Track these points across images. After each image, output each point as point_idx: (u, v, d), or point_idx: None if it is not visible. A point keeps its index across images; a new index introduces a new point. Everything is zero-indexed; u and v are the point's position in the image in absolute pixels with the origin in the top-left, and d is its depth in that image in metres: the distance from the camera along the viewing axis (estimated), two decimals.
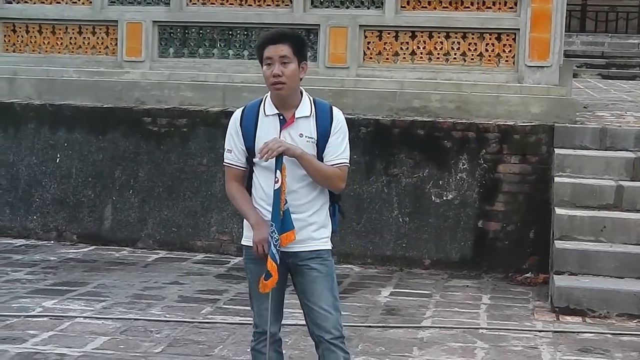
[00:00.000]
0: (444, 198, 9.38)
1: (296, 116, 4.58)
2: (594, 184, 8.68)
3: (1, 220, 10.59)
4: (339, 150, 4.61)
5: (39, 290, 8.14)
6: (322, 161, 4.59)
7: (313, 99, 4.67)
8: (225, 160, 4.71)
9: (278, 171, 4.44)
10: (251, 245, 4.62)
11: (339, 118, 4.64)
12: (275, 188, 4.45)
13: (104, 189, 10.27)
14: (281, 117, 4.58)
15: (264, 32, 4.73)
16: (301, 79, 4.60)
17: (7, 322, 7.09)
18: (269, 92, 4.63)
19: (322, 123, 4.60)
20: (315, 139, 4.57)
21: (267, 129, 4.57)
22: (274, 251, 4.47)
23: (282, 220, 4.46)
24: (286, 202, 4.47)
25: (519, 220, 9.23)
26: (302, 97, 4.64)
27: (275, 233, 4.46)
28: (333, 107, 4.69)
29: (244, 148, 4.62)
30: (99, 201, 10.29)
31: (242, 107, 4.71)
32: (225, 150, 4.70)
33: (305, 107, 4.61)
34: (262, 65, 4.57)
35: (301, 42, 4.64)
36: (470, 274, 9.19)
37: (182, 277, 8.81)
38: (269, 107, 4.61)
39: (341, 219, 4.87)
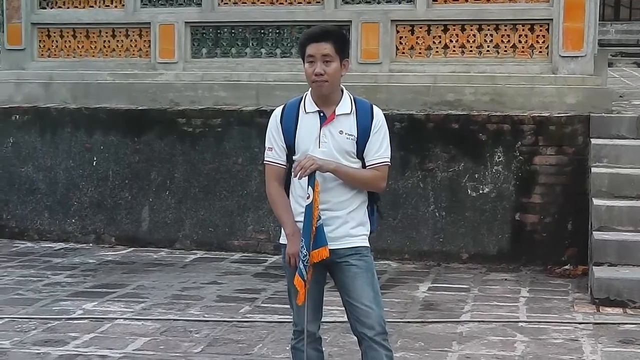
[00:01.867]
0: (480, 191, 9.34)
1: (337, 113, 4.59)
2: (632, 174, 8.60)
3: (40, 224, 10.70)
4: (380, 149, 4.61)
5: (79, 293, 8.21)
6: (363, 159, 4.60)
7: (353, 97, 4.67)
8: (265, 159, 4.70)
9: (310, 187, 4.43)
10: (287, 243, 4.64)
11: (379, 117, 4.65)
12: (307, 204, 4.45)
13: (141, 191, 10.34)
14: (321, 114, 4.58)
15: (307, 29, 4.72)
16: (342, 76, 4.60)
17: (49, 324, 7.15)
18: (309, 89, 4.64)
19: (362, 121, 4.60)
20: (356, 136, 4.57)
21: (308, 126, 4.58)
22: (302, 267, 4.47)
23: (315, 237, 4.45)
24: (319, 218, 4.46)
25: (556, 212, 9.17)
26: (342, 94, 4.64)
27: (304, 249, 4.44)
28: (373, 106, 4.70)
29: (285, 145, 4.63)
30: (135, 203, 10.35)
31: (283, 105, 4.71)
32: (266, 148, 4.70)
33: (345, 105, 4.62)
34: (304, 62, 4.58)
35: (343, 39, 4.65)
36: (508, 267, 9.14)
37: (220, 277, 8.85)
38: (309, 104, 4.61)
39: (379, 219, 4.85)
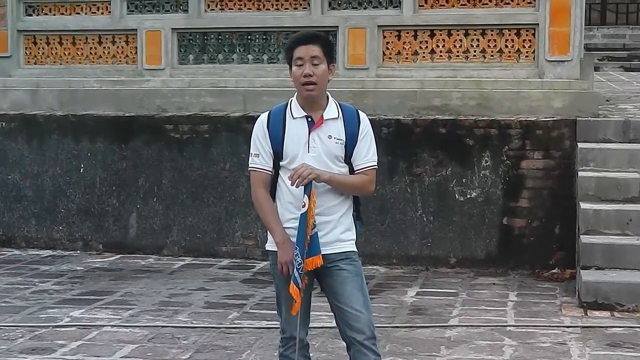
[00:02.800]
0: (468, 196, 9.35)
1: (324, 117, 4.60)
2: (619, 177, 8.63)
3: (28, 231, 10.66)
4: (368, 153, 4.64)
5: (66, 300, 8.19)
6: (351, 164, 4.62)
7: (337, 102, 4.69)
8: (251, 165, 4.68)
9: (306, 196, 4.43)
10: (276, 250, 4.62)
11: (365, 121, 4.68)
12: (302, 212, 4.43)
13: (128, 198, 10.32)
14: (309, 119, 4.59)
15: (293, 34, 4.72)
16: (329, 81, 4.62)
17: (36, 332, 7.13)
18: (295, 95, 4.65)
19: (349, 125, 4.62)
20: (344, 140, 4.59)
21: (296, 132, 4.57)
22: (297, 275, 4.46)
23: (310, 245, 4.44)
24: (314, 227, 4.45)
25: (543, 216, 9.19)
26: (328, 99, 4.66)
27: (299, 257, 4.44)
28: (359, 111, 4.72)
29: (272, 151, 4.61)
30: (123, 210, 10.33)
31: (267, 111, 4.70)
32: (252, 155, 4.67)
33: (332, 109, 4.64)
34: (290, 67, 4.59)
35: (330, 43, 4.69)
36: (496, 271, 9.16)
37: (208, 283, 8.83)
38: (296, 109, 4.61)
39: (362, 225, 4.85)
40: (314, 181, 4.46)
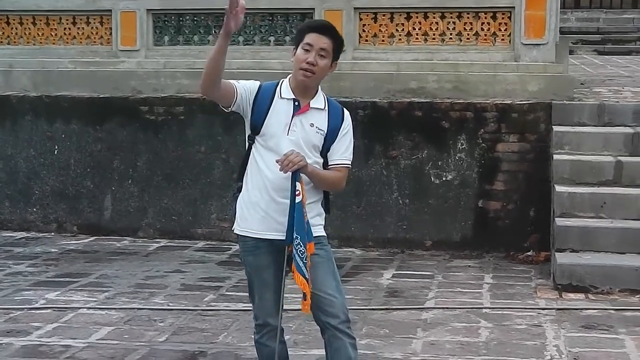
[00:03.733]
0: (444, 179, 9.38)
1: (311, 105, 4.59)
2: (593, 161, 8.68)
3: (1, 213, 10.59)
4: (346, 151, 4.65)
5: (41, 283, 8.15)
6: (326, 158, 4.62)
7: (326, 96, 4.69)
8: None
9: (298, 183, 4.39)
10: (247, 235, 4.59)
11: (348, 120, 4.70)
12: (297, 201, 4.39)
13: (103, 180, 10.26)
14: (296, 103, 4.57)
15: (310, 20, 4.68)
16: (326, 76, 4.61)
17: (11, 314, 7.09)
18: (288, 77, 4.64)
19: (333, 120, 4.63)
20: (325, 132, 4.59)
21: (280, 112, 4.55)
22: (301, 264, 4.40)
23: (307, 232, 4.41)
24: (306, 214, 4.43)
25: (519, 199, 9.23)
26: (317, 91, 4.65)
27: (301, 245, 4.39)
28: (344, 109, 4.73)
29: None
30: (98, 192, 10.28)
31: (259, 82, 4.65)
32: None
33: (320, 100, 4.64)
34: (296, 48, 4.56)
35: (342, 43, 4.66)
36: (471, 254, 9.20)
37: (183, 265, 8.82)
38: (285, 90, 4.59)
39: (327, 215, 4.84)
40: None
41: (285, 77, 4.66)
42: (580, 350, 6.23)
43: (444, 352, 6.22)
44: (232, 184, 4.80)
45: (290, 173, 4.38)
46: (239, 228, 4.67)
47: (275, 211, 4.51)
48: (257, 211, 4.56)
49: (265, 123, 4.54)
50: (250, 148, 4.61)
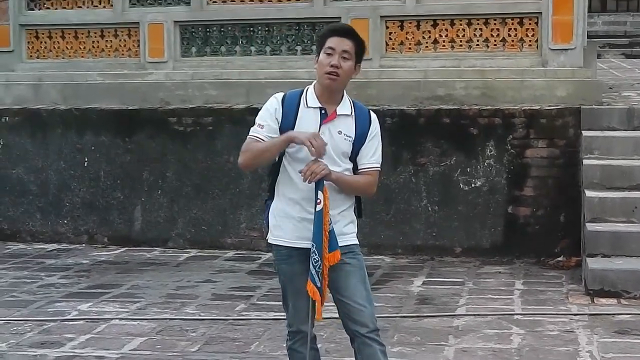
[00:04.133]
0: (473, 185, 9.36)
1: (338, 112, 4.58)
2: (624, 165, 8.63)
3: (33, 225, 10.67)
4: (375, 154, 4.64)
5: (73, 294, 8.20)
6: (356, 163, 4.62)
7: (352, 100, 4.68)
8: (252, 133, 4.53)
9: (320, 192, 4.40)
10: (280, 244, 4.61)
11: (376, 123, 4.68)
12: (318, 210, 4.40)
13: (133, 191, 10.33)
14: (323, 111, 4.56)
15: (330, 24, 4.68)
16: (351, 79, 4.60)
17: (44, 326, 7.14)
18: (313, 84, 4.62)
19: (361, 124, 4.61)
20: (353, 138, 4.58)
21: (308, 121, 4.54)
22: (314, 272, 4.43)
23: (329, 240, 4.42)
24: (330, 222, 4.43)
25: (548, 205, 9.20)
26: (343, 96, 4.64)
27: (316, 254, 4.41)
28: (371, 112, 4.71)
29: (278, 130, 4.53)
30: (128, 203, 10.34)
31: (282, 93, 4.64)
32: (256, 124, 4.55)
33: (346, 106, 4.62)
34: (318, 54, 4.54)
35: (364, 45, 4.65)
36: (502, 260, 9.17)
37: (214, 275, 8.85)
38: (311, 98, 4.58)
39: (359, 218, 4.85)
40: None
41: (310, 84, 4.65)
42: (613, 356, 6.20)
43: (476, 359, 6.21)
44: (262, 194, 4.82)
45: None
46: (272, 237, 4.69)
47: (307, 220, 4.51)
48: (290, 220, 4.58)
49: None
50: (280, 159, 4.60)
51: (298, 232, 4.57)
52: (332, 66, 4.48)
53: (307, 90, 4.63)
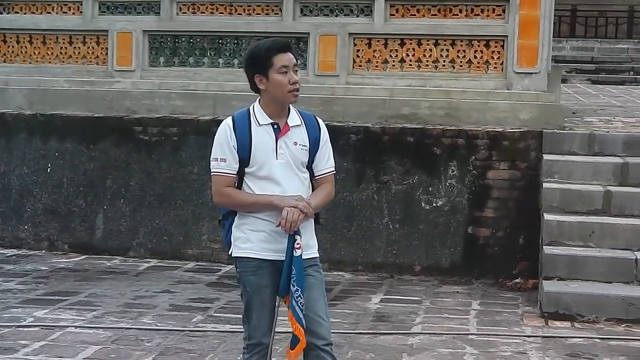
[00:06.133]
0: (434, 204, 9.42)
1: (290, 124, 4.65)
2: (583, 190, 8.73)
3: None
4: (329, 159, 4.76)
5: (30, 300, 8.16)
6: (312, 170, 4.70)
7: (297, 109, 4.74)
8: (216, 170, 4.61)
9: (298, 236, 4.48)
10: (248, 256, 4.62)
11: (324, 128, 4.77)
12: (297, 255, 4.47)
13: (95, 198, 10.30)
14: (275, 126, 4.62)
15: (262, 41, 4.71)
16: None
17: None
18: (257, 101, 4.67)
19: (312, 132, 4.70)
20: (308, 146, 4.66)
21: (263, 139, 4.59)
22: (298, 311, 4.50)
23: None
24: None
25: (508, 226, 9.28)
26: (290, 108, 4.70)
27: (302, 297, 4.48)
28: (317, 117, 4.80)
29: (238, 157, 4.59)
30: (90, 210, 10.31)
31: (230, 117, 4.68)
32: (217, 159, 4.61)
33: (295, 117, 4.69)
34: (268, 74, 4.54)
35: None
36: (460, 280, 9.23)
37: (173, 286, 8.84)
38: (260, 116, 4.63)
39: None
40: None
41: (255, 102, 4.68)
42: None
43: None
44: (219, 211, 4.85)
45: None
46: (239, 250, 4.68)
47: (277, 233, 4.56)
48: (260, 233, 4.62)
49: (252, 155, 4.58)
50: (241, 179, 4.63)
51: (267, 244, 4.62)
52: (294, 83, 4.56)
53: (253, 108, 4.66)
